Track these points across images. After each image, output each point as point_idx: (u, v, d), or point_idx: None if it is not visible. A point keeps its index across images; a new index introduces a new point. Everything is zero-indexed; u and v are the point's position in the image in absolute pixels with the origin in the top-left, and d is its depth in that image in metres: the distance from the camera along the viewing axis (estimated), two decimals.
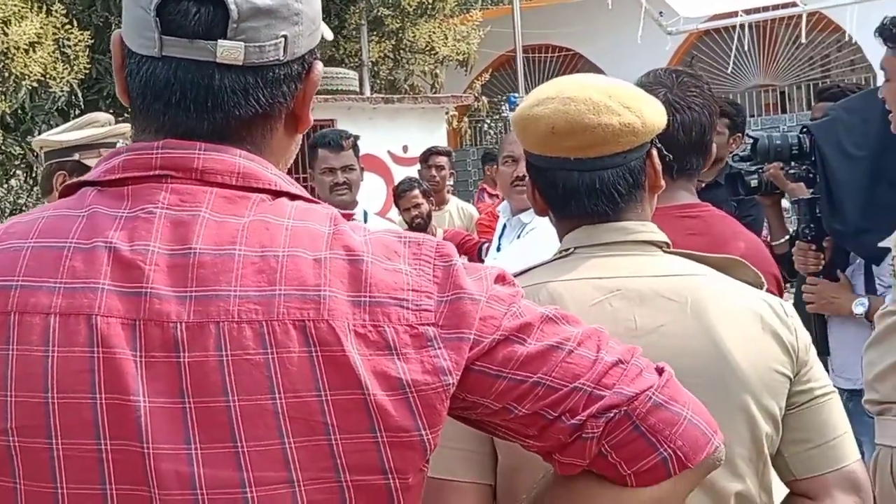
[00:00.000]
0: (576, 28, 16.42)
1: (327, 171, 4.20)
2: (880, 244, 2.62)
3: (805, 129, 3.28)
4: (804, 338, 1.60)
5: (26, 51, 9.63)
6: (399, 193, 6.21)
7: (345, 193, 4.18)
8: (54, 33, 9.96)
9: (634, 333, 1.48)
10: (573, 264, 1.57)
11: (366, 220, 4.23)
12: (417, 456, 1.07)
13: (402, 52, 13.39)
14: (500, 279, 1.14)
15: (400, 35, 13.17)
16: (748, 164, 3.61)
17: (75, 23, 10.27)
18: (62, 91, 9.91)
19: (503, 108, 14.89)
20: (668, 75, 2.20)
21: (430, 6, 12.93)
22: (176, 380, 1.01)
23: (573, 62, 17.58)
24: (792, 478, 1.59)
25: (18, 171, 11.50)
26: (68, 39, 10.08)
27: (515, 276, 1.55)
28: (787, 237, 3.68)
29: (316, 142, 4.32)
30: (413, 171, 7.79)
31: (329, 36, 1.23)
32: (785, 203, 3.90)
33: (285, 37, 1.11)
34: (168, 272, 1.03)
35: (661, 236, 1.61)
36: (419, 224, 5.94)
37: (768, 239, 3.82)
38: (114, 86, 1.19)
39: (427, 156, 7.31)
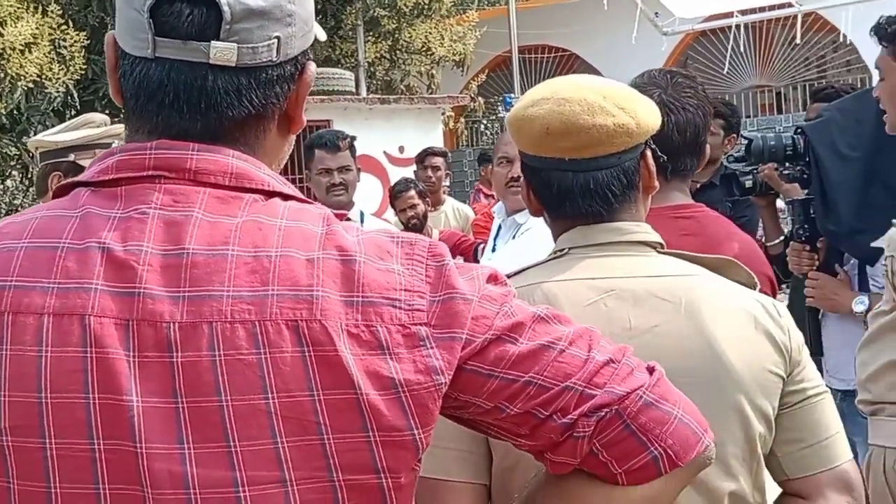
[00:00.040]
0: (572, 29, 16.44)
1: (324, 172, 4.20)
2: (873, 244, 2.62)
3: (799, 130, 3.29)
4: (797, 338, 1.61)
5: (22, 51, 9.63)
6: (395, 194, 6.21)
7: (341, 194, 4.18)
8: (50, 34, 9.96)
9: (629, 334, 1.48)
10: (568, 265, 1.57)
11: (362, 221, 4.24)
12: (410, 455, 1.07)
13: (398, 52, 13.40)
14: (493, 279, 1.14)
15: (396, 35, 13.18)
16: (743, 164, 3.62)
17: (71, 23, 10.28)
18: (58, 92, 9.91)
19: (499, 108, 14.90)
20: (663, 76, 2.20)
21: (426, 7, 12.94)
22: (169, 380, 1.02)
23: (569, 63, 17.59)
24: (785, 477, 1.60)
25: (14, 172, 11.50)
26: (64, 40, 10.08)
27: (510, 276, 1.55)
28: (782, 238, 3.68)
29: (312, 142, 4.32)
30: (409, 172, 7.79)
31: (322, 37, 1.23)
32: (780, 204, 3.91)
33: (278, 38, 1.11)
34: (161, 272, 1.04)
35: (656, 237, 1.62)
36: (415, 225, 5.94)
37: (763, 240, 3.83)
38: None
39: (423, 156, 7.31)
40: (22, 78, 9.65)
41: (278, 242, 1.06)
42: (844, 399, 3.11)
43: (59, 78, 9.89)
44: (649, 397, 1.13)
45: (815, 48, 15.82)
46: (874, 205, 2.96)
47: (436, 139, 11.40)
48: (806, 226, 3.31)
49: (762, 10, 11.53)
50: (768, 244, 3.76)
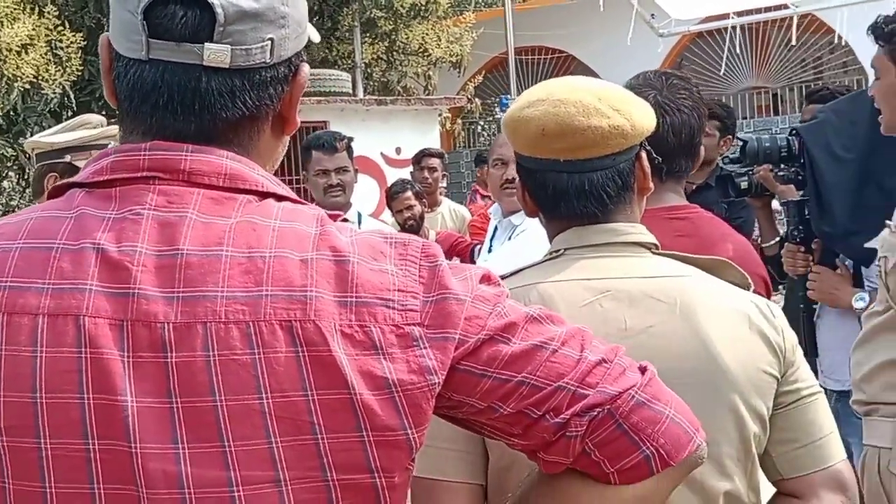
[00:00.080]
0: (568, 30, 16.43)
1: (321, 173, 4.21)
2: (867, 245, 2.63)
3: (794, 132, 3.30)
4: (791, 338, 1.62)
5: (18, 52, 9.63)
6: (392, 195, 6.21)
7: (339, 195, 4.19)
8: (47, 35, 9.95)
9: (624, 334, 1.49)
10: (563, 265, 1.58)
11: (360, 222, 4.24)
12: (403, 455, 1.08)
13: (395, 53, 13.39)
14: (486, 279, 1.15)
15: (393, 37, 13.18)
16: (738, 166, 3.63)
17: (67, 24, 10.27)
18: (55, 93, 9.91)
19: (496, 109, 14.90)
20: (658, 77, 2.21)
21: (423, 8, 12.93)
22: (163, 380, 1.02)
23: (566, 64, 17.59)
24: (779, 477, 1.60)
25: (11, 173, 11.49)
26: (60, 41, 10.08)
27: (506, 277, 1.56)
28: (778, 239, 3.69)
29: (310, 143, 4.33)
30: (406, 173, 7.80)
31: (316, 38, 1.24)
32: (776, 205, 3.91)
33: (272, 40, 1.11)
34: (155, 273, 1.04)
35: (650, 238, 1.62)
36: (412, 226, 5.93)
37: (759, 241, 3.84)
38: None
39: (419, 158, 7.31)
40: (18, 79, 9.65)
41: (272, 243, 1.07)
42: (839, 400, 3.11)
43: (55, 79, 9.88)
44: (641, 397, 1.13)
45: (812, 50, 15.83)
46: (868, 206, 2.96)
47: (433, 140, 11.41)
48: (801, 227, 3.31)
49: (758, 11, 11.53)
50: (764, 245, 3.77)
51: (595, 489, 1.16)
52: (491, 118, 16.83)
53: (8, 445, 1.02)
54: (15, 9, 9.75)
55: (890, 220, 2.46)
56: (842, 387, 3.15)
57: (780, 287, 3.73)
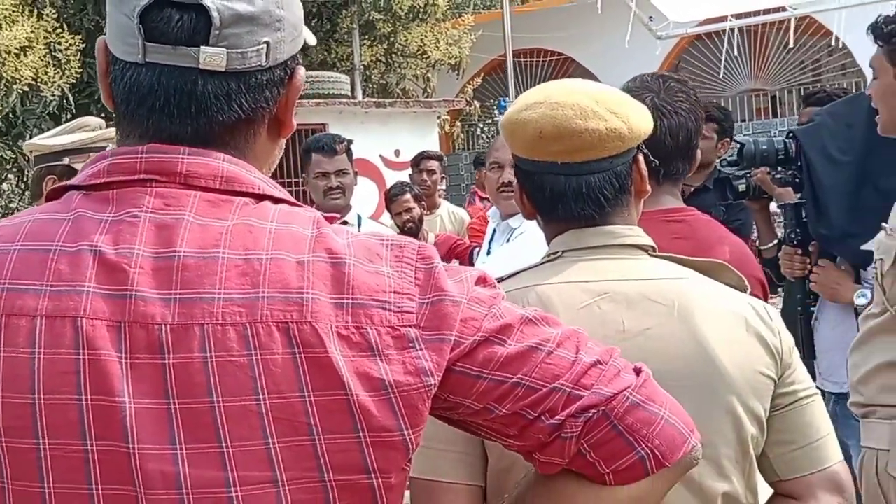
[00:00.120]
0: (567, 32, 16.45)
1: (321, 176, 4.22)
2: (863, 247, 2.63)
3: (791, 134, 3.30)
4: (787, 340, 1.62)
5: (17, 55, 9.63)
6: (391, 198, 6.21)
7: (339, 197, 4.20)
8: (45, 37, 9.95)
9: (622, 336, 1.49)
10: (561, 267, 1.58)
11: (360, 225, 4.25)
12: (400, 455, 1.08)
13: (393, 56, 13.40)
14: (481, 281, 1.15)
15: (392, 39, 13.19)
16: (736, 168, 3.63)
17: (66, 27, 10.27)
18: (54, 95, 9.91)
19: (495, 112, 14.91)
20: (655, 80, 2.21)
21: (421, 10, 12.95)
22: (161, 381, 1.02)
23: (565, 66, 17.61)
24: (776, 478, 1.61)
25: (10, 175, 11.49)
26: (59, 44, 10.08)
27: (505, 279, 1.57)
28: (776, 241, 3.69)
29: (309, 146, 4.33)
30: (405, 176, 7.80)
31: (312, 41, 1.24)
32: (774, 207, 3.92)
33: (267, 43, 1.12)
34: (153, 275, 1.05)
35: (647, 240, 1.63)
36: (411, 228, 5.94)
37: (757, 243, 3.84)
38: None
39: (418, 160, 7.31)
40: (17, 81, 9.65)
41: (269, 245, 1.07)
42: (838, 402, 3.11)
43: (54, 81, 9.88)
44: (636, 398, 1.14)
45: (811, 52, 15.85)
46: (865, 208, 2.96)
47: (431, 143, 11.43)
48: (798, 230, 3.32)
49: (756, 14, 11.55)
50: (762, 248, 3.77)
51: (591, 490, 1.16)
52: (490, 120, 16.85)
53: (7, 446, 1.02)
54: (13, 11, 9.76)
55: (886, 222, 2.46)
56: (840, 389, 3.15)
57: (779, 289, 3.73)
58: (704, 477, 1.51)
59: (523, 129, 1.59)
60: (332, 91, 11.34)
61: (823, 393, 3.22)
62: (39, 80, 9.79)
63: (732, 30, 11.12)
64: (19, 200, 11.30)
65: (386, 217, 6.63)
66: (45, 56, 9.86)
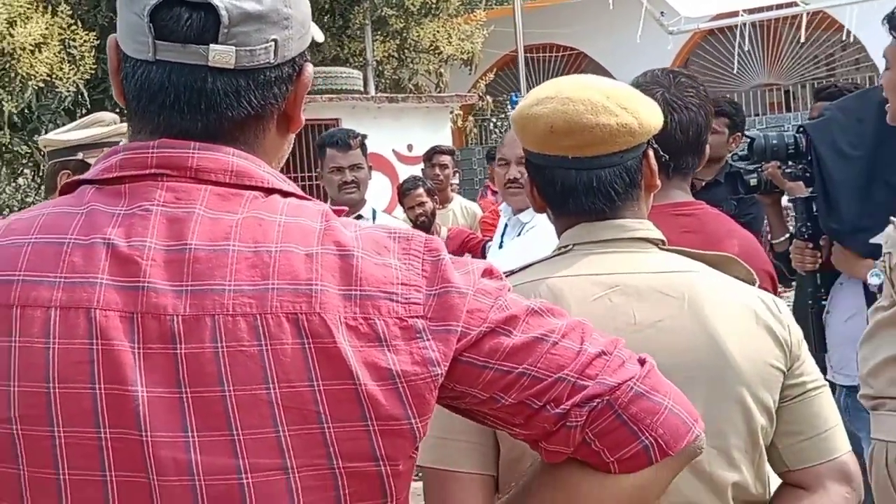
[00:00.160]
0: (579, 28, 16.41)
1: (335, 170, 4.24)
2: (871, 241, 2.64)
3: (801, 129, 3.31)
4: (796, 333, 1.63)
5: (32, 51, 9.67)
6: (403, 192, 6.22)
7: (353, 192, 4.21)
8: (60, 34, 9.99)
9: (633, 328, 1.51)
10: (572, 260, 1.59)
11: (374, 219, 4.27)
12: (407, 444, 1.09)
13: (406, 51, 13.39)
14: (488, 273, 1.16)
15: (404, 34, 13.18)
16: (747, 163, 3.64)
17: (80, 23, 10.31)
18: (68, 91, 9.95)
19: (508, 107, 14.88)
20: (665, 75, 2.22)
21: (434, 6, 12.94)
22: (173, 370, 1.04)
23: (577, 61, 17.56)
24: (785, 469, 1.62)
25: (26, 170, 11.55)
26: (74, 40, 10.12)
27: (516, 272, 1.58)
28: (788, 235, 3.69)
29: (324, 141, 4.35)
30: (418, 170, 7.80)
31: (319, 38, 1.26)
32: (785, 201, 3.92)
33: (275, 41, 1.13)
34: (165, 267, 1.06)
35: (657, 234, 1.64)
36: (423, 222, 5.94)
37: (769, 237, 3.85)
38: None
39: (430, 155, 7.31)
40: (32, 78, 9.69)
41: (278, 238, 1.08)
42: (849, 395, 3.11)
43: (69, 77, 9.92)
44: (640, 388, 1.14)
45: (824, 46, 15.77)
46: (876, 202, 2.96)
47: (444, 137, 11.41)
48: (809, 224, 3.32)
49: (769, 8, 11.49)
50: (774, 242, 3.77)
51: (595, 478, 1.17)
52: (503, 115, 16.81)
53: (23, 433, 1.04)
54: (28, 8, 9.80)
55: (895, 216, 2.47)
56: (851, 382, 3.15)
57: (793, 283, 3.74)
58: (715, 467, 1.52)
59: (534, 124, 1.60)
60: (344, 86, 11.33)
61: (835, 386, 3.23)
62: (54, 76, 9.83)
63: (745, 25, 11.08)
64: (35, 195, 11.35)
65: (399, 211, 6.64)
66: (59, 52, 9.91)
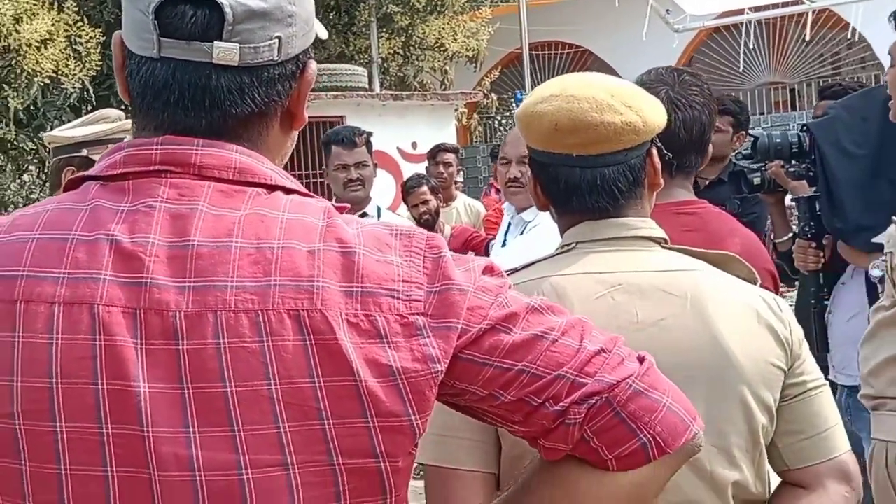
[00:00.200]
0: (584, 25, 16.40)
1: (341, 168, 4.25)
2: (873, 240, 2.64)
3: (805, 128, 3.31)
4: (797, 332, 1.64)
5: (38, 48, 9.68)
6: (407, 190, 6.22)
7: (358, 189, 4.23)
8: (66, 30, 10.00)
9: (636, 327, 1.51)
10: (575, 258, 1.60)
11: (379, 216, 4.28)
12: (407, 440, 1.10)
13: (411, 48, 13.39)
14: (488, 270, 1.17)
15: (409, 32, 13.18)
16: (750, 162, 3.64)
17: (86, 20, 10.31)
18: (74, 87, 9.96)
19: (513, 105, 14.88)
20: (670, 73, 2.22)
21: (439, 3, 12.93)
22: (175, 366, 1.04)
23: (582, 59, 17.54)
24: (785, 468, 1.63)
25: (31, 167, 11.56)
26: (80, 36, 10.12)
27: (519, 269, 1.59)
28: (791, 234, 3.70)
29: (329, 139, 4.37)
30: (422, 168, 7.81)
31: (323, 35, 1.26)
32: (789, 201, 3.92)
33: (279, 38, 1.14)
34: (167, 263, 1.07)
35: (660, 232, 1.64)
36: (427, 220, 5.94)
37: (772, 236, 3.85)
38: None
39: (435, 152, 7.32)
40: (38, 74, 9.70)
41: (280, 234, 1.09)
42: (851, 395, 3.12)
43: (74, 74, 9.93)
44: (639, 386, 1.14)
45: (830, 45, 15.74)
46: (880, 202, 2.97)
47: (449, 135, 11.41)
48: (812, 223, 3.33)
49: (774, 6, 11.48)
50: (777, 241, 3.78)
51: (594, 475, 1.17)
52: (508, 113, 16.81)
53: (25, 428, 1.05)
54: (34, 4, 9.80)
55: None
56: (853, 382, 3.15)
57: (795, 283, 3.74)
58: (715, 465, 1.53)
59: (539, 122, 1.61)
60: (349, 84, 11.33)
61: (836, 386, 3.23)
62: (60, 72, 9.83)
63: (750, 22, 11.07)
64: (40, 191, 11.36)
65: (403, 209, 6.65)
66: (65, 49, 9.91)
